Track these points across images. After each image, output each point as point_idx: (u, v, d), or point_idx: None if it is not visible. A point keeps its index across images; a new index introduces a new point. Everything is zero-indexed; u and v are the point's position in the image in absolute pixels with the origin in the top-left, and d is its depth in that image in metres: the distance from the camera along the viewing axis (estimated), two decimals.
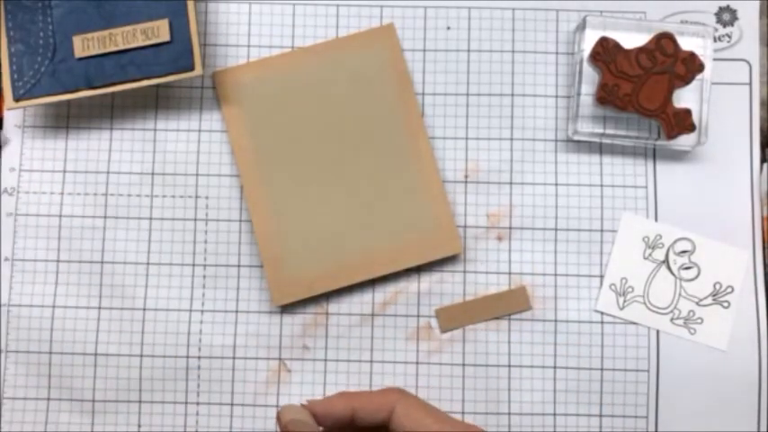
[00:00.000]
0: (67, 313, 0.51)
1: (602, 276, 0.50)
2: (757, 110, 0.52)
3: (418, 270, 0.51)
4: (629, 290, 0.50)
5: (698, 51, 0.49)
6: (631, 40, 0.49)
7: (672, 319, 0.50)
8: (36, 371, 0.50)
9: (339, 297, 0.51)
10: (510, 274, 0.51)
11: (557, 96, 0.52)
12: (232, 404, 0.50)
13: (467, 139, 0.52)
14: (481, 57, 0.52)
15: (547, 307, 0.50)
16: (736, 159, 0.51)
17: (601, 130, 0.51)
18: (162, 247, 0.51)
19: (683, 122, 0.49)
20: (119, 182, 0.52)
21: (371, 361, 0.50)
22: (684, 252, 0.50)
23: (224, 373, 0.50)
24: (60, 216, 0.51)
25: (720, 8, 0.52)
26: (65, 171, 0.52)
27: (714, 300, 0.50)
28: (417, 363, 0.50)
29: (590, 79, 0.50)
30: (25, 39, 0.49)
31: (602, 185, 0.51)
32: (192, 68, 0.49)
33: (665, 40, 0.49)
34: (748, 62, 0.52)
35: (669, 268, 0.50)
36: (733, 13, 0.52)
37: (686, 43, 0.49)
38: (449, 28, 0.53)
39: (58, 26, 0.49)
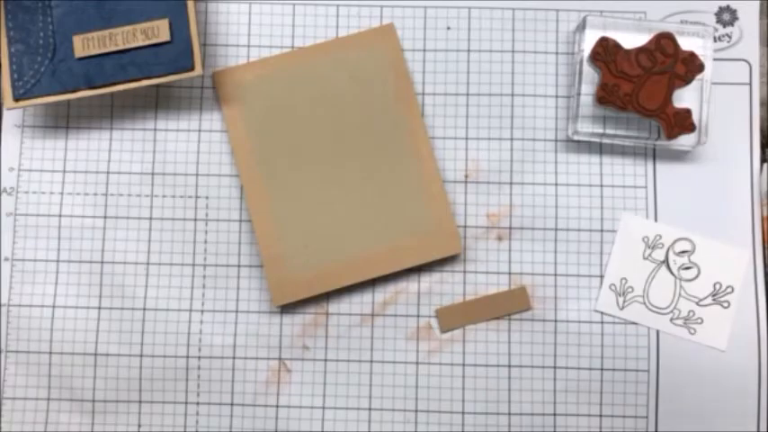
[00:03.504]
0: (67, 313, 0.51)
1: (602, 276, 0.50)
2: (757, 110, 0.52)
3: (418, 270, 0.51)
4: (629, 290, 0.50)
5: (698, 51, 0.49)
6: (631, 40, 0.49)
7: (672, 319, 0.50)
8: (36, 371, 0.50)
9: (339, 297, 0.51)
10: (510, 274, 0.51)
11: (557, 96, 0.52)
12: (232, 404, 0.50)
13: (467, 139, 0.52)
14: (481, 57, 0.52)
15: (547, 307, 0.50)
16: (736, 159, 0.51)
17: (601, 130, 0.51)
18: (162, 247, 0.51)
19: (683, 122, 0.49)
20: (119, 182, 0.51)
21: (371, 361, 0.50)
22: (684, 252, 0.50)
23: (224, 373, 0.50)
24: (60, 216, 0.51)
25: (720, 8, 0.52)
26: (65, 171, 0.52)
27: (714, 300, 0.50)
28: (417, 363, 0.50)
29: (590, 79, 0.50)
30: (25, 39, 0.49)
31: (602, 185, 0.51)
32: (192, 68, 0.49)
33: (665, 40, 0.49)
34: (748, 62, 0.52)
35: (669, 268, 0.50)
36: (733, 13, 0.52)
37: (686, 43, 0.49)
38: (449, 28, 0.53)
39: (58, 26, 0.49)
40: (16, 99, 0.49)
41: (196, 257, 0.51)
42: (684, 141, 0.50)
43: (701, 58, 0.49)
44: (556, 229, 0.51)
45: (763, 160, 0.52)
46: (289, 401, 0.50)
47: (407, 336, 0.50)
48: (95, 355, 0.50)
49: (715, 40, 0.52)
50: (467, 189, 0.51)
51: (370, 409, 0.50)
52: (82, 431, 0.50)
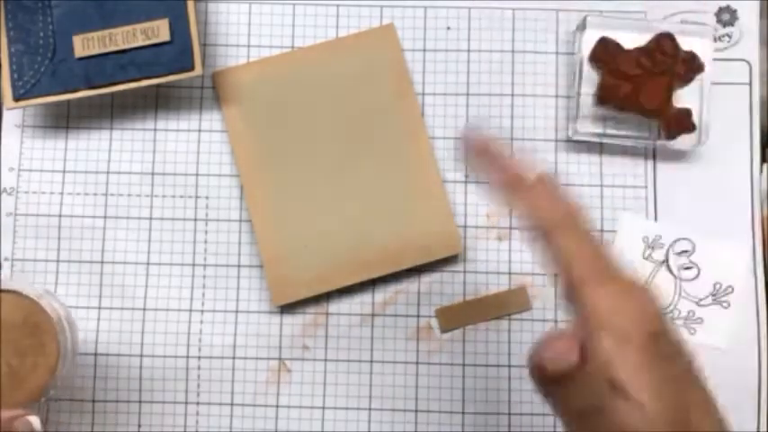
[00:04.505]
0: None
1: None
2: (757, 110, 0.52)
3: (418, 270, 0.51)
4: None
5: (698, 51, 0.49)
6: (631, 40, 0.49)
7: (672, 319, 0.50)
8: None
9: (339, 297, 0.50)
10: (510, 274, 0.50)
11: (557, 96, 0.52)
12: (232, 404, 0.50)
13: None
14: (481, 57, 0.52)
15: (547, 307, 0.50)
16: (736, 159, 0.51)
17: (601, 130, 0.51)
18: (162, 247, 0.51)
19: (683, 122, 0.49)
20: (119, 182, 0.51)
21: (371, 361, 0.50)
22: (684, 252, 0.50)
23: (224, 373, 0.50)
24: (60, 216, 0.51)
25: (720, 8, 0.52)
26: (65, 171, 0.52)
27: (714, 300, 0.50)
28: (417, 363, 0.50)
29: (590, 79, 0.50)
30: (25, 39, 0.49)
31: (602, 185, 0.51)
32: (192, 68, 0.49)
33: (664, 40, 0.49)
34: (748, 62, 0.52)
35: (669, 268, 0.50)
36: (733, 13, 0.52)
37: (686, 43, 0.49)
38: (449, 28, 0.53)
39: (58, 26, 0.49)
40: (16, 99, 0.49)
41: (196, 257, 0.51)
42: (684, 141, 0.50)
43: (701, 58, 0.49)
44: None
45: (763, 160, 0.52)
46: (289, 401, 0.50)
47: (407, 336, 0.50)
48: (95, 355, 0.50)
49: (715, 40, 0.51)
50: (467, 189, 0.51)
51: (370, 409, 0.50)
52: (82, 431, 0.50)
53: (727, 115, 0.51)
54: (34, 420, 0.38)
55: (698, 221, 0.51)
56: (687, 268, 0.50)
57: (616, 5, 0.52)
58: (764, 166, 0.51)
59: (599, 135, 0.51)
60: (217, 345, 0.50)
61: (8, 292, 0.39)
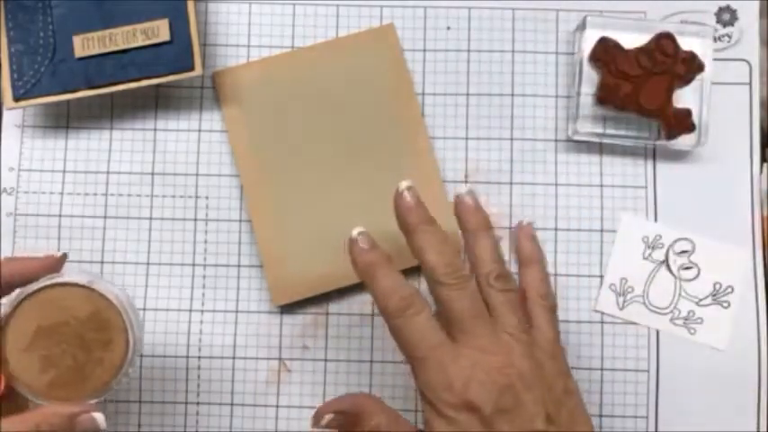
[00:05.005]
0: None
1: (601, 276, 0.50)
2: (757, 110, 0.52)
3: (418, 270, 0.51)
4: (629, 290, 0.50)
5: (698, 51, 0.49)
6: (631, 40, 0.49)
7: (672, 319, 0.50)
8: None
9: (339, 297, 0.50)
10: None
11: (557, 96, 0.52)
12: (232, 404, 0.50)
13: (467, 139, 0.52)
14: (481, 57, 0.52)
15: None
16: (736, 159, 0.51)
17: (601, 130, 0.51)
18: (162, 247, 0.51)
19: (683, 122, 0.49)
20: (119, 182, 0.51)
21: (371, 361, 0.50)
22: (684, 252, 0.50)
23: (224, 373, 0.50)
24: (60, 216, 0.51)
25: (720, 8, 0.52)
26: (65, 171, 0.52)
27: (714, 300, 0.50)
28: None
29: (590, 79, 0.50)
30: (25, 39, 0.49)
31: (601, 185, 0.51)
32: (192, 68, 0.49)
33: (665, 40, 0.49)
34: (748, 62, 0.52)
35: (669, 268, 0.50)
36: (733, 13, 0.52)
37: (686, 43, 0.49)
38: (449, 28, 0.53)
39: (58, 26, 0.49)
40: (16, 99, 0.49)
41: (196, 257, 0.51)
42: (684, 141, 0.50)
43: (701, 58, 0.49)
44: (556, 229, 0.51)
45: (763, 160, 0.52)
46: (289, 401, 0.50)
47: None
48: None
49: (715, 40, 0.51)
50: None
51: None
52: None
53: (727, 115, 0.51)
54: (99, 417, 0.36)
55: (698, 221, 0.51)
56: (687, 268, 0.50)
57: (616, 5, 0.52)
58: (764, 166, 0.51)
59: (599, 135, 0.51)
60: (217, 345, 0.50)
61: (72, 285, 0.38)
